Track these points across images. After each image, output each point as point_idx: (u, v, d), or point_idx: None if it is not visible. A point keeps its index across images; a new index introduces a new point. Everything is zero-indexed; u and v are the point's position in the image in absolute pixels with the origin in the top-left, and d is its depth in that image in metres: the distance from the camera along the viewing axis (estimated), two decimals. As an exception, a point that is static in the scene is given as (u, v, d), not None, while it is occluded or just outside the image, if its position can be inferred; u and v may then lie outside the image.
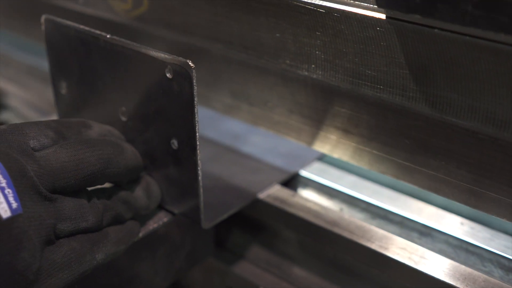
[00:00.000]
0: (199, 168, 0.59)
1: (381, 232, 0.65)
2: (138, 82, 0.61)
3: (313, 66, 0.65)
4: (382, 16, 0.57)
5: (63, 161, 0.53)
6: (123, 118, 0.64)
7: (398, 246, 0.63)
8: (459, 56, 0.53)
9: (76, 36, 0.65)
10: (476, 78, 0.53)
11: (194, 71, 0.55)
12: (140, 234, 0.63)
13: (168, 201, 0.65)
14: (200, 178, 0.60)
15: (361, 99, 0.64)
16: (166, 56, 0.57)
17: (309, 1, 0.62)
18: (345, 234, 0.65)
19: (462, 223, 0.68)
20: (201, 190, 0.61)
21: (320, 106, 0.68)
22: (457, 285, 0.58)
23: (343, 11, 0.59)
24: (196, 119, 0.57)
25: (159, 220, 0.65)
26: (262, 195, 0.71)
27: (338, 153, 0.69)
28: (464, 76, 0.54)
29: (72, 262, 0.52)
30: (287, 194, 0.72)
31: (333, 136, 0.69)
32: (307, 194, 0.75)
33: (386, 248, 0.63)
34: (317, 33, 0.63)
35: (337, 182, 0.75)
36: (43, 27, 0.68)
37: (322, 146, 0.71)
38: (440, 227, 0.68)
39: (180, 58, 0.55)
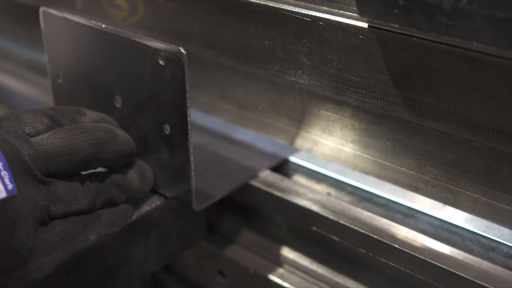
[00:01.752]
0: (190, 152, 0.62)
1: (366, 214, 0.68)
2: (132, 69, 0.63)
3: (300, 72, 0.68)
4: (364, 25, 0.60)
5: (57, 146, 0.55)
6: (118, 105, 0.66)
7: (383, 227, 0.65)
8: (435, 63, 0.57)
9: (73, 26, 0.67)
10: (452, 84, 0.57)
11: (186, 57, 0.57)
12: (134, 217, 0.65)
13: (160, 185, 0.67)
14: (191, 162, 0.62)
15: (345, 103, 0.67)
16: (159, 43, 0.59)
17: (296, 10, 0.65)
18: (332, 216, 0.67)
19: (444, 205, 0.70)
20: (193, 174, 0.63)
21: (307, 110, 0.71)
22: (428, 259, 0.61)
23: (328, 20, 0.63)
24: (188, 104, 0.59)
25: (152, 203, 0.67)
26: (252, 180, 0.74)
27: (325, 154, 0.72)
28: (440, 81, 0.57)
29: (65, 241, 0.54)
30: (276, 179, 0.74)
31: (320, 139, 0.72)
32: (296, 179, 0.77)
33: (371, 229, 0.65)
34: (304, 40, 0.66)
35: (325, 167, 0.77)
36: (40, 19, 0.70)
37: (310, 148, 0.74)
38: (423, 209, 0.70)
39: (173, 46, 0.58)
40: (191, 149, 0.62)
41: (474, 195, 0.61)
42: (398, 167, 0.66)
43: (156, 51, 0.59)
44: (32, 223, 0.51)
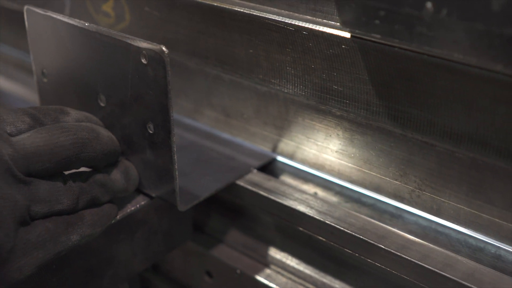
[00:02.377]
0: (174, 152, 0.61)
1: (353, 214, 0.67)
2: (115, 68, 0.63)
3: (284, 81, 0.68)
4: (347, 35, 0.60)
5: (37, 145, 0.55)
6: (102, 104, 0.66)
7: (370, 228, 0.65)
8: (417, 73, 0.57)
9: (56, 25, 0.67)
10: (434, 94, 0.57)
11: (167, 56, 0.57)
12: (118, 217, 0.64)
13: (145, 184, 0.67)
14: (175, 161, 0.62)
15: (329, 113, 0.67)
16: (141, 42, 0.59)
17: (279, 19, 0.65)
18: (319, 216, 0.67)
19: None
20: (177, 173, 0.63)
21: (292, 119, 0.71)
22: (415, 260, 0.61)
23: (311, 29, 0.63)
24: (170, 103, 0.59)
25: (137, 203, 0.67)
26: (239, 180, 0.73)
27: (310, 163, 0.72)
28: (422, 92, 0.57)
29: (46, 242, 0.54)
30: (263, 179, 0.74)
31: (305, 147, 0.72)
32: (283, 179, 0.77)
33: (358, 229, 0.65)
34: (287, 49, 0.66)
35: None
36: (25, 17, 0.70)
37: (295, 157, 0.74)
38: (410, 209, 0.69)
39: (154, 44, 0.58)
40: (175, 149, 0.61)
41: (458, 205, 0.61)
42: (382, 177, 0.66)
43: (138, 50, 0.59)
44: (12, 224, 0.51)
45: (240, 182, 0.73)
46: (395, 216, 0.69)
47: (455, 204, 0.61)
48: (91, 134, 0.60)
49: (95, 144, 0.60)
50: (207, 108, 0.80)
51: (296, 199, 0.70)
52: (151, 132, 0.62)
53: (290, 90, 0.68)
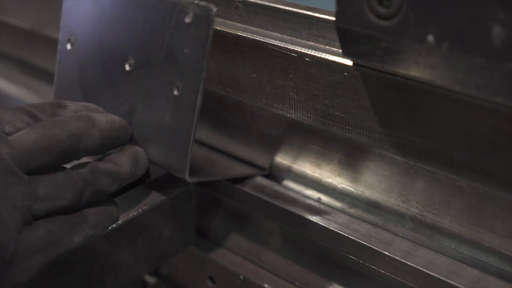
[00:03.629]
0: (197, 114, 0.62)
1: (357, 220, 0.67)
2: (152, 30, 0.64)
3: (286, 105, 0.68)
4: (349, 62, 0.60)
5: (34, 141, 0.55)
6: (128, 68, 0.67)
7: (375, 234, 0.65)
8: (419, 102, 0.57)
9: None
10: (435, 124, 0.57)
11: (214, 14, 0.59)
12: (120, 221, 0.65)
13: (154, 153, 0.66)
14: (196, 124, 0.62)
15: (332, 138, 0.67)
16: (188, 1, 0.61)
17: (282, 45, 0.65)
18: (322, 222, 0.67)
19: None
20: (194, 137, 0.63)
21: (295, 143, 0.72)
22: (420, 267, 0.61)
23: (314, 56, 0.63)
24: (206, 62, 0.61)
25: (140, 207, 0.67)
26: (242, 186, 0.73)
27: (312, 186, 0.73)
28: (424, 121, 0.58)
29: (48, 244, 0.54)
30: (267, 184, 0.74)
31: (307, 171, 0.72)
32: (287, 184, 0.77)
33: (362, 235, 0.65)
34: (290, 75, 0.66)
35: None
36: None
37: (298, 179, 0.74)
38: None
39: (203, 3, 0.60)
40: (199, 110, 0.62)
41: (459, 232, 0.62)
42: (385, 202, 0.66)
43: (184, 9, 0.61)
44: (13, 225, 0.51)
45: (244, 187, 0.73)
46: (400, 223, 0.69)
47: (456, 231, 0.62)
48: (86, 122, 0.59)
49: (92, 131, 0.59)
50: (210, 129, 0.81)
51: (299, 205, 0.70)
52: (176, 94, 0.63)
53: (293, 115, 0.68)
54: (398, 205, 0.65)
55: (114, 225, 0.65)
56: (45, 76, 1.05)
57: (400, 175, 0.63)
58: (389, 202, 0.66)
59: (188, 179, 0.65)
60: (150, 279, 0.86)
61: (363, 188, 0.67)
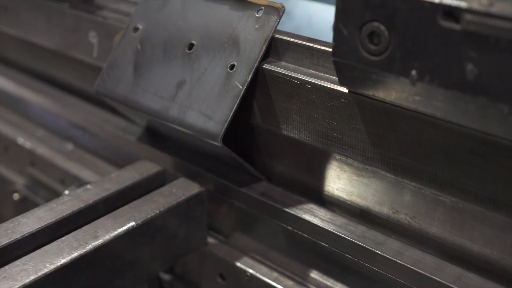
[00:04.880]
0: (244, 88, 0.73)
1: (354, 222, 0.74)
2: (222, 20, 0.77)
3: (290, 126, 0.76)
4: (345, 90, 0.68)
5: None
6: (187, 51, 0.79)
7: (369, 235, 0.72)
8: (406, 127, 0.64)
9: None
10: (420, 146, 0.64)
11: (283, 11, 0.73)
12: (140, 222, 0.73)
13: (194, 119, 0.76)
14: (241, 97, 0.73)
15: (330, 156, 0.75)
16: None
17: (286, 73, 0.72)
18: (322, 224, 0.74)
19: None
20: (235, 109, 0.73)
21: (300, 160, 0.79)
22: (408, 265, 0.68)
23: (314, 83, 0.70)
24: (265, 47, 0.73)
25: (157, 209, 0.75)
26: (250, 191, 0.80)
27: (317, 199, 0.80)
28: (411, 143, 0.65)
29: None
30: (271, 190, 0.81)
31: (311, 186, 0.80)
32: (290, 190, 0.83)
33: (358, 236, 0.71)
34: (293, 99, 0.73)
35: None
36: None
37: (303, 192, 0.81)
38: None
39: (274, 3, 0.74)
40: (247, 85, 0.73)
41: (443, 241, 0.69)
42: (377, 214, 0.73)
43: (257, 6, 0.74)
44: None
45: (252, 193, 0.80)
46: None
47: (440, 241, 0.69)
48: None
49: None
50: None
51: (301, 208, 0.77)
52: (230, 71, 0.74)
53: (296, 135, 0.75)
54: (389, 216, 0.72)
55: (134, 225, 0.73)
56: (66, 89, 1.13)
57: (391, 190, 0.71)
58: (381, 214, 0.73)
59: (220, 144, 0.74)
60: (165, 276, 0.92)
61: (358, 201, 0.74)
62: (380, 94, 0.62)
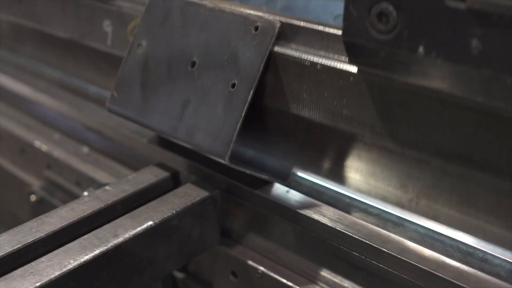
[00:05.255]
0: (246, 107, 0.74)
1: (361, 222, 0.75)
2: (221, 37, 0.77)
3: (300, 105, 0.79)
4: (354, 69, 0.71)
5: None
6: (190, 68, 0.79)
7: (376, 234, 0.73)
8: (413, 102, 0.68)
9: (177, 4, 0.82)
10: (427, 120, 0.68)
11: (279, 27, 0.72)
12: (158, 221, 0.76)
13: (201, 139, 0.77)
14: (244, 115, 0.74)
15: (339, 133, 0.78)
16: (257, 14, 0.75)
17: (296, 55, 0.76)
18: (330, 223, 0.75)
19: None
20: (240, 127, 0.74)
21: (311, 140, 0.82)
22: (413, 262, 0.69)
23: (323, 64, 0.74)
24: (264, 64, 0.74)
25: (173, 209, 0.78)
26: (262, 192, 0.82)
27: (323, 175, 0.83)
28: (418, 118, 0.68)
29: None
30: (282, 191, 0.82)
31: (321, 162, 0.83)
32: (299, 190, 0.84)
33: (365, 235, 0.73)
34: (304, 79, 0.77)
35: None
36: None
37: (316, 171, 0.85)
38: (411, 219, 0.76)
39: (269, 16, 0.73)
40: (249, 104, 0.74)
41: (450, 211, 0.72)
42: (386, 188, 0.76)
43: (253, 22, 0.74)
44: None
45: (263, 194, 0.82)
46: (397, 224, 0.77)
47: (448, 211, 0.72)
48: None
49: None
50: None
51: (311, 209, 0.79)
52: (231, 90, 0.75)
53: (306, 114, 0.78)
54: (397, 190, 0.75)
55: (152, 224, 0.76)
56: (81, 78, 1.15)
57: (398, 164, 0.74)
58: (390, 187, 0.76)
59: (228, 162, 0.76)
60: (179, 275, 0.95)
61: (367, 176, 0.78)
62: (389, 72, 0.65)
